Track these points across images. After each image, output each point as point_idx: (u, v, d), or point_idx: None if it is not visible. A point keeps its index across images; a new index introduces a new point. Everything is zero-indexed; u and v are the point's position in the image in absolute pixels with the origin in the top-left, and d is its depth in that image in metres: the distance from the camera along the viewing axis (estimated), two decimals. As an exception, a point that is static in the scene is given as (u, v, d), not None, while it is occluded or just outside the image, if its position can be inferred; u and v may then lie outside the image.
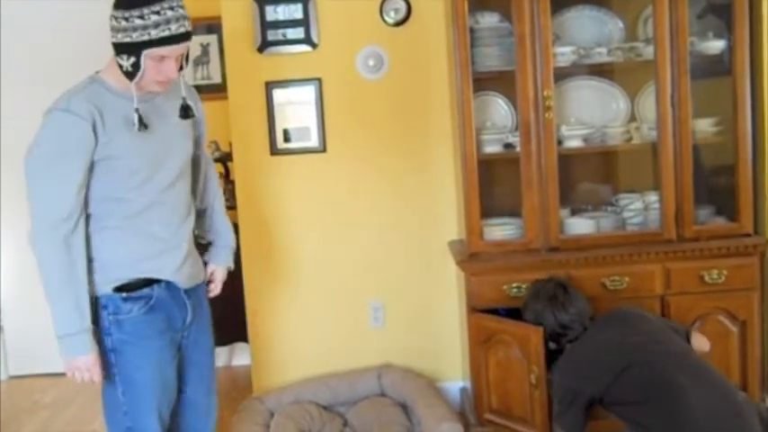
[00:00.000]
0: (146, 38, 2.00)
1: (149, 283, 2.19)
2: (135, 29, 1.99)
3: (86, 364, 2.11)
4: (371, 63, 3.42)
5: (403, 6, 3.38)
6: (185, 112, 2.21)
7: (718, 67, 3.11)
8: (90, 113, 2.04)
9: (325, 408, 3.40)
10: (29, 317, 4.36)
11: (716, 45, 3.08)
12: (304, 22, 3.36)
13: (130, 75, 2.05)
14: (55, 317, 2.10)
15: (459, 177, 3.18)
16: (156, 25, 1.99)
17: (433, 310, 3.57)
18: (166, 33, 2.01)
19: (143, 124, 2.09)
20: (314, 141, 3.46)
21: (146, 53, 2.02)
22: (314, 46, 3.39)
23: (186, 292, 2.29)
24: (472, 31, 3.06)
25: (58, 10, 4.17)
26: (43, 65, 4.20)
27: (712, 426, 2.29)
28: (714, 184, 3.26)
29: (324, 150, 3.47)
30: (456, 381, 3.56)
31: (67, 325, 2.08)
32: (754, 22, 2.98)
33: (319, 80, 3.42)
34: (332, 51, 3.41)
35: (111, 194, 2.13)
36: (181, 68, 2.13)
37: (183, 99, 2.20)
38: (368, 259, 3.55)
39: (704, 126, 3.12)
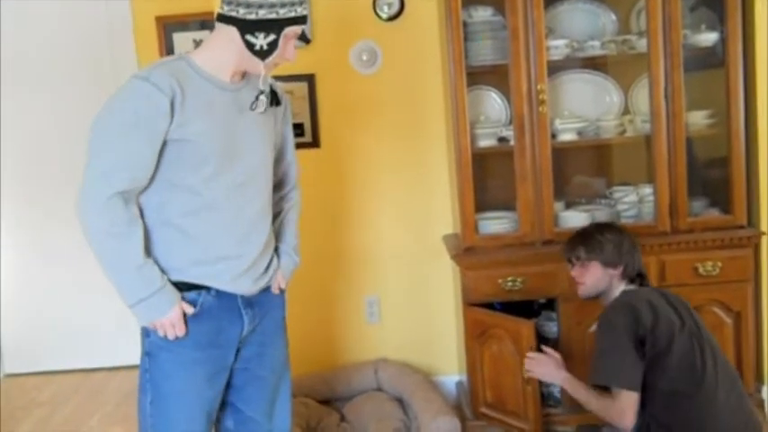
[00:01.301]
0: (292, 14, 1.97)
1: (197, 287, 2.02)
2: (283, 5, 1.95)
3: (171, 321, 1.97)
4: (365, 58, 3.42)
5: (396, 1, 3.38)
6: (276, 98, 2.11)
7: (712, 60, 3.12)
8: (171, 88, 1.90)
9: (321, 402, 3.41)
10: (26, 315, 4.37)
11: (709, 37, 3.08)
12: (297, 18, 3.36)
13: (264, 53, 1.98)
14: (119, 289, 1.94)
15: (454, 171, 3.18)
16: (301, 2, 1.99)
17: (428, 305, 3.58)
18: (306, 12, 2.01)
19: (254, 104, 2.03)
20: (307, 137, 3.46)
21: (287, 30, 1.97)
22: (307, 41, 3.39)
23: (248, 300, 2.11)
24: (465, 24, 3.06)
25: (60, 10, 4.17)
26: (44, 62, 4.21)
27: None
28: (708, 177, 3.27)
29: (317, 146, 3.47)
30: (452, 375, 3.57)
31: (134, 292, 1.93)
32: (747, 13, 2.98)
33: (313, 75, 3.42)
34: (325, 46, 3.41)
35: (178, 180, 1.97)
36: None
37: (270, 86, 2.09)
38: (363, 254, 3.55)
39: (697, 118, 3.12)
